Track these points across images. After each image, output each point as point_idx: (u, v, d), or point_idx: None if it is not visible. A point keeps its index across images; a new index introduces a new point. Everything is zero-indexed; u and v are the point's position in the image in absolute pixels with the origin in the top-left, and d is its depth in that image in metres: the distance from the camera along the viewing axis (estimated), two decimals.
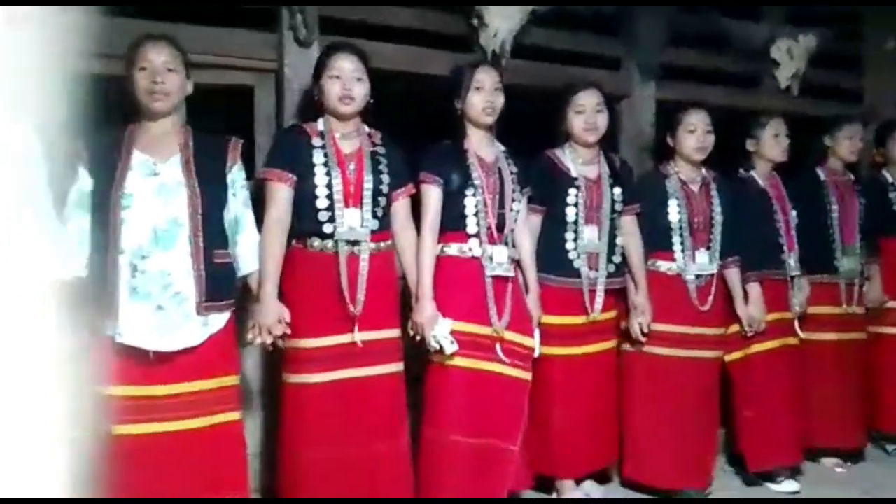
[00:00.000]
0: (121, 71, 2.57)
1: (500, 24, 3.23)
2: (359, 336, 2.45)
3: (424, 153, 2.72)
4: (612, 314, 3.01)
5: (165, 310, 2.20)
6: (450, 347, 2.57)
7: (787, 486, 3.23)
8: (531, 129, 3.05)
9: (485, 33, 3.23)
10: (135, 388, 2.20)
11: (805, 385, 3.39)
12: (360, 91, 2.50)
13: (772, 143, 3.32)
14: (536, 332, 2.80)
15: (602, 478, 3.13)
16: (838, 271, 3.50)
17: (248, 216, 2.40)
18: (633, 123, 3.66)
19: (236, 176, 2.37)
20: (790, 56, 3.93)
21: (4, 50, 1.09)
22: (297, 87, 2.91)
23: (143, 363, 2.19)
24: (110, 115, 2.35)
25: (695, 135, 3.06)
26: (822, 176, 3.58)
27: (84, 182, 2.24)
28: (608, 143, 3.14)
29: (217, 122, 2.62)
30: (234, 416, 2.34)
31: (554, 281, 2.89)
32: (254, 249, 2.39)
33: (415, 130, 2.84)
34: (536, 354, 2.78)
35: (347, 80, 2.47)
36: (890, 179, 3.76)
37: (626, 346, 3.08)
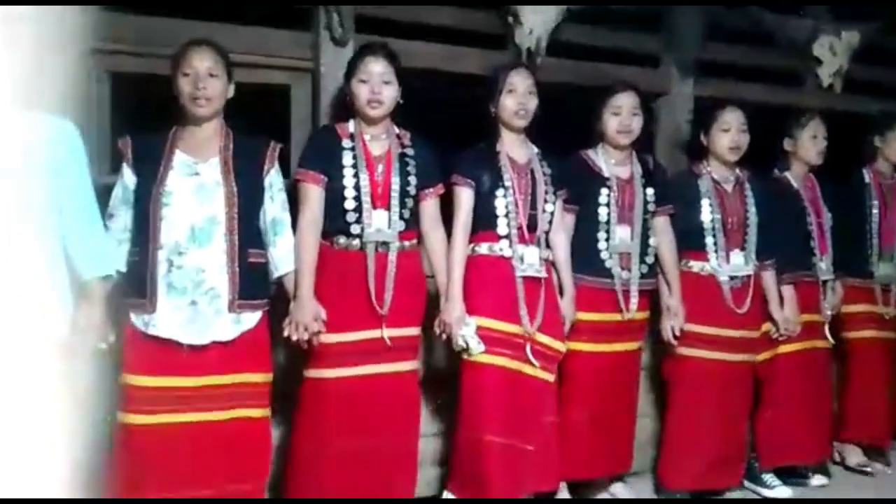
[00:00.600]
0: (162, 70, 2.62)
1: (536, 22, 3.21)
2: (387, 333, 2.49)
3: (458, 156, 2.74)
4: (642, 315, 2.98)
5: (198, 305, 2.27)
6: (476, 347, 2.59)
7: (816, 481, 3.28)
8: (567, 127, 3.04)
9: (520, 31, 3.21)
10: (167, 378, 2.26)
11: (848, 383, 3.40)
12: (389, 94, 2.52)
13: (809, 145, 3.26)
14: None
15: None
16: (873, 276, 3.43)
17: (286, 219, 2.45)
18: (670, 121, 3.62)
19: (274, 179, 2.43)
20: (832, 53, 3.84)
21: (25, 46, 1.12)
22: (332, 87, 2.92)
23: (176, 355, 2.26)
24: (155, 113, 2.40)
25: (729, 134, 3.02)
26: (867, 178, 3.50)
27: (128, 179, 2.33)
28: (644, 141, 3.10)
29: (253, 120, 2.64)
30: (261, 412, 2.39)
31: (587, 281, 2.88)
32: (290, 251, 2.44)
33: (451, 129, 2.84)
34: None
35: (376, 84, 2.49)
36: None
37: (665, 349, 3.05)
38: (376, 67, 2.50)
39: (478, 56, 3.24)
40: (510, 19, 3.22)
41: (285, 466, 2.57)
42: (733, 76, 3.80)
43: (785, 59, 3.90)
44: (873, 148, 3.52)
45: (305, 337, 2.41)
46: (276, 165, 2.44)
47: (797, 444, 3.20)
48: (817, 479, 3.29)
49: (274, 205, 2.43)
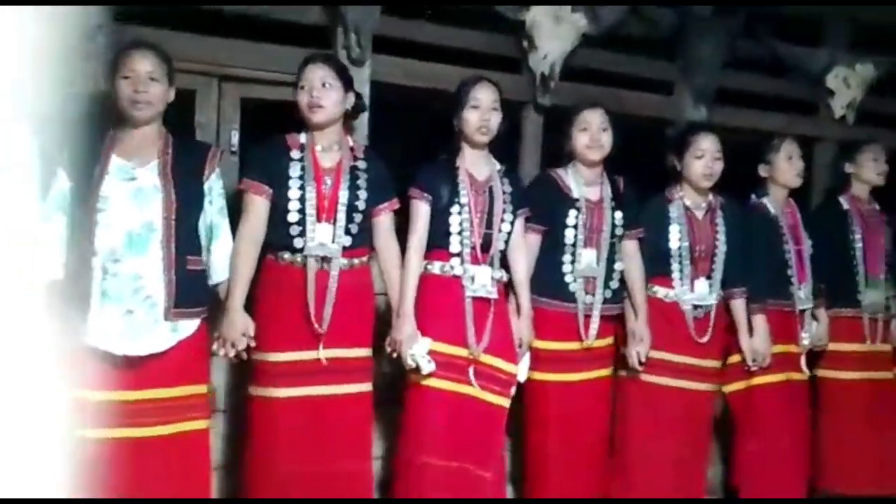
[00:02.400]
0: (188, 84, 2.68)
1: (551, 47, 3.25)
2: (323, 353, 2.42)
3: (417, 169, 2.69)
4: (608, 341, 2.92)
5: (135, 314, 2.20)
6: (427, 367, 2.51)
7: None
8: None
9: (534, 55, 3.25)
10: (106, 392, 2.19)
11: (820, 424, 3.26)
12: (331, 99, 2.45)
13: (786, 167, 3.17)
14: (525, 358, 2.75)
15: None
16: (861, 304, 3.31)
17: (224, 225, 2.40)
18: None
19: (214, 184, 2.37)
20: (846, 85, 3.84)
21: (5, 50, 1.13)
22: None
23: (114, 367, 2.20)
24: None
25: (703, 161, 2.95)
26: (846, 205, 3.40)
27: (63, 184, 2.23)
28: (656, 169, 3.09)
29: (268, 135, 2.69)
30: (201, 424, 2.34)
31: (549, 304, 2.81)
32: (226, 259, 2.39)
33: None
34: (522, 379, 2.74)
35: (315, 89, 2.43)
36: None
37: (623, 373, 2.97)
38: (317, 73, 2.44)
39: (494, 79, 3.26)
40: (526, 43, 3.26)
41: (236, 484, 2.50)
42: (746, 104, 3.81)
43: (799, 90, 3.91)
44: (845, 175, 3.44)
45: (232, 353, 2.34)
46: (217, 170, 2.39)
47: (780, 479, 3.10)
48: None
49: (212, 209, 2.37)
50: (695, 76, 3.60)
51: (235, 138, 2.95)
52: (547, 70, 3.26)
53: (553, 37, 3.24)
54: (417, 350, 2.51)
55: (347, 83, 2.52)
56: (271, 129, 2.56)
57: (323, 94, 2.44)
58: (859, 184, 3.43)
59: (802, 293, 3.16)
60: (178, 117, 2.60)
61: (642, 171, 3.10)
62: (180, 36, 2.79)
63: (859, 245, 3.32)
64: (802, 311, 3.17)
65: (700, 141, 2.96)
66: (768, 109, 3.86)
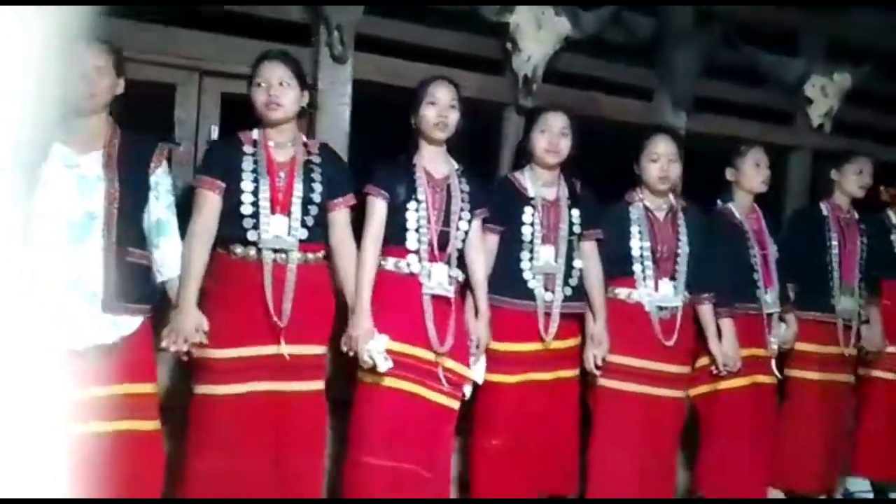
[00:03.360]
0: (167, 77, 2.66)
1: (534, 50, 3.27)
2: (285, 349, 2.38)
3: (374, 166, 2.68)
4: (573, 342, 2.88)
5: (73, 305, 2.15)
6: (383, 364, 2.47)
7: None
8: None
9: (518, 57, 3.27)
10: (56, 387, 2.07)
11: (782, 423, 3.28)
12: (288, 97, 2.45)
13: (752, 174, 3.19)
14: (482, 360, 2.73)
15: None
16: (835, 310, 3.34)
17: (172, 222, 2.37)
18: None
19: (160, 178, 2.35)
20: (824, 94, 3.90)
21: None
22: (331, 103, 2.97)
23: (62, 362, 2.10)
24: (136, 118, 2.39)
25: (658, 164, 2.95)
26: (825, 211, 3.43)
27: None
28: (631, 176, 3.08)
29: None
30: (149, 425, 2.29)
31: (509, 303, 2.79)
32: (175, 255, 2.36)
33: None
34: (480, 381, 2.71)
35: (272, 87, 2.43)
36: (894, 220, 3.63)
37: (590, 378, 2.93)
38: (275, 71, 2.44)
39: (476, 80, 3.28)
40: (509, 45, 3.27)
41: (178, 485, 2.43)
42: (724, 112, 3.85)
43: (777, 98, 3.97)
44: (830, 182, 3.48)
45: (185, 348, 2.29)
46: (165, 165, 2.37)
47: (742, 482, 3.09)
48: None
49: (158, 204, 2.34)
50: (673, 83, 3.64)
51: (215, 134, 2.93)
52: (529, 72, 3.28)
53: (536, 40, 3.26)
54: (374, 346, 2.46)
55: (303, 81, 2.52)
56: (251, 126, 2.54)
57: (281, 92, 2.43)
58: (840, 193, 3.47)
59: (769, 297, 3.16)
60: (159, 112, 2.57)
61: (622, 177, 3.11)
62: (162, 30, 2.78)
63: (836, 252, 3.36)
64: (770, 315, 3.18)
65: (655, 144, 2.96)
66: (746, 117, 3.91)
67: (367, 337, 2.47)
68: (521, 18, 3.21)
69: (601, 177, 3.07)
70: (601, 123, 3.46)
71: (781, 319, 3.26)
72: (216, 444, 2.35)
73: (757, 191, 3.23)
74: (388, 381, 2.53)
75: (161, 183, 2.35)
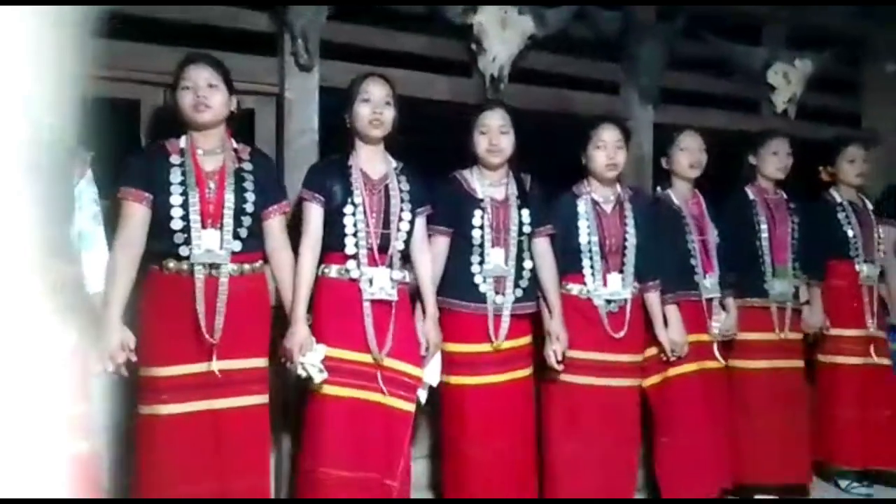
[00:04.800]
0: (129, 94, 2.62)
1: (499, 50, 3.28)
2: (216, 365, 2.32)
3: (308, 170, 2.65)
4: (524, 340, 2.86)
5: None
6: (318, 376, 2.43)
7: None
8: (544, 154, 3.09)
9: (483, 58, 3.28)
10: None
11: (734, 416, 3.27)
12: (216, 99, 2.40)
13: (681, 158, 3.20)
14: (435, 360, 2.70)
15: None
16: (769, 294, 3.32)
17: (97, 233, 2.29)
18: (632, 148, 3.68)
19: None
20: (787, 80, 3.96)
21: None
22: (297, 111, 2.96)
23: None
24: (113, 135, 2.39)
25: (604, 151, 2.95)
26: (751, 195, 3.41)
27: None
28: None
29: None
30: (82, 446, 2.13)
31: (459, 306, 2.77)
32: (101, 269, 2.28)
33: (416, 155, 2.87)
34: (434, 383, 2.69)
35: (200, 89, 2.37)
36: (838, 199, 3.61)
37: (544, 375, 2.92)
38: (201, 73, 2.39)
39: (443, 82, 3.30)
40: (474, 47, 3.28)
41: None
42: (692, 103, 3.89)
43: (741, 87, 4.01)
44: (750, 167, 3.46)
45: (111, 368, 2.22)
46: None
47: (700, 472, 3.08)
48: None
49: (82, 216, 2.24)
50: (639, 76, 3.67)
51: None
52: (496, 72, 3.29)
53: (500, 40, 3.28)
54: (310, 358, 2.41)
55: (230, 86, 2.46)
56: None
57: (209, 93, 2.38)
58: (762, 176, 3.46)
59: (709, 283, 3.17)
60: (125, 126, 2.55)
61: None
62: (125, 45, 2.75)
63: (765, 235, 3.34)
64: (710, 301, 3.18)
65: (601, 132, 2.96)
66: (713, 107, 3.95)
67: (303, 349, 2.43)
68: (484, 19, 3.22)
69: (558, 170, 3.09)
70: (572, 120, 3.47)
71: (722, 306, 3.26)
72: (161, 465, 2.29)
73: (687, 175, 3.23)
74: (338, 390, 2.49)
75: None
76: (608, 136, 2.96)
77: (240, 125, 3.03)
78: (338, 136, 3.04)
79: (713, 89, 3.97)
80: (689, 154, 3.20)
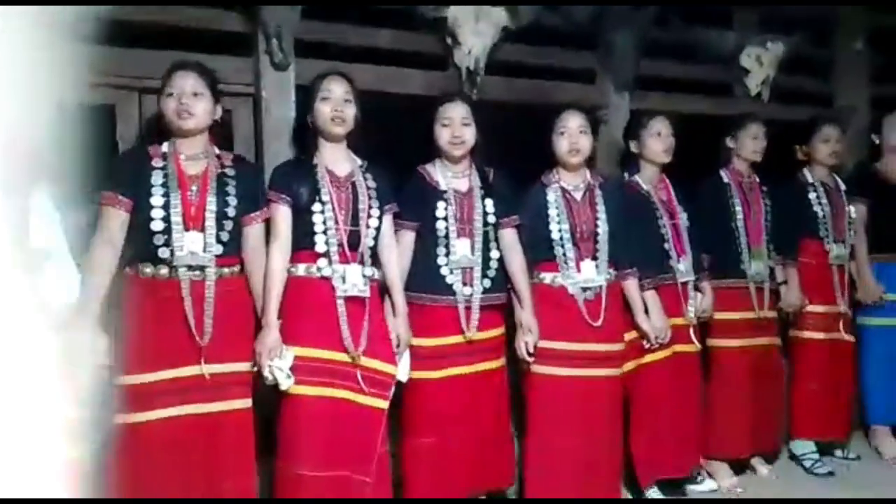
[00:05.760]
0: (97, 99, 2.61)
1: (474, 42, 3.29)
2: (206, 369, 2.32)
3: (273, 171, 2.65)
4: (496, 332, 2.85)
5: None
6: (285, 382, 2.41)
7: (706, 486, 3.28)
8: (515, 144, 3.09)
9: (459, 51, 3.29)
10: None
11: (711, 392, 3.32)
12: (200, 107, 2.40)
13: (654, 143, 3.20)
14: (405, 357, 2.68)
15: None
16: (746, 275, 3.36)
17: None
18: (608, 135, 3.71)
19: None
20: (759, 63, 4.00)
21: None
22: (274, 111, 2.96)
23: None
24: (96, 140, 2.38)
25: (566, 137, 2.94)
26: (726, 178, 3.46)
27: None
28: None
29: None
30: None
31: (427, 300, 2.75)
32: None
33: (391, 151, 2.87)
34: (404, 379, 2.67)
35: (184, 96, 2.38)
36: (810, 179, 3.66)
37: (522, 367, 2.91)
38: (187, 80, 2.39)
39: (419, 77, 3.31)
40: (449, 40, 3.29)
41: None
42: (667, 89, 3.92)
43: (715, 71, 4.05)
44: (727, 149, 3.51)
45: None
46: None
47: (674, 454, 3.11)
48: (707, 484, 3.29)
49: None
50: (614, 65, 3.70)
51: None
52: (472, 65, 3.30)
53: (474, 32, 3.29)
54: (277, 363, 2.39)
55: (216, 94, 2.47)
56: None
57: (193, 101, 2.38)
58: (738, 159, 3.50)
59: (682, 266, 3.17)
60: (100, 131, 2.54)
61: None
62: (97, 49, 2.73)
63: (740, 217, 3.39)
64: (685, 284, 3.19)
65: (563, 119, 2.95)
66: (688, 92, 3.98)
67: (272, 353, 2.41)
68: (458, 12, 3.23)
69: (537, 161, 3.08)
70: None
71: (697, 289, 3.28)
72: (146, 473, 2.27)
73: (659, 160, 3.23)
74: (311, 390, 2.47)
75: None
76: (571, 122, 2.95)
77: (218, 126, 3.05)
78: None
79: (687, 75, 4.00)
80: (662, 139, 3.21)
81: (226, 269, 2.41)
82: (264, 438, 2.55)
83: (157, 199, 2.33)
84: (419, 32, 3.31)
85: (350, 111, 2.60)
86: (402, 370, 2.67)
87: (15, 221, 2.04)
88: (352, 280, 2.52)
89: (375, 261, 2.65)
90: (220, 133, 3.01)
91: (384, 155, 2.80)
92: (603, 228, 2.95)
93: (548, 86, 3.59)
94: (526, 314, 2.84)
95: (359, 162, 2.68)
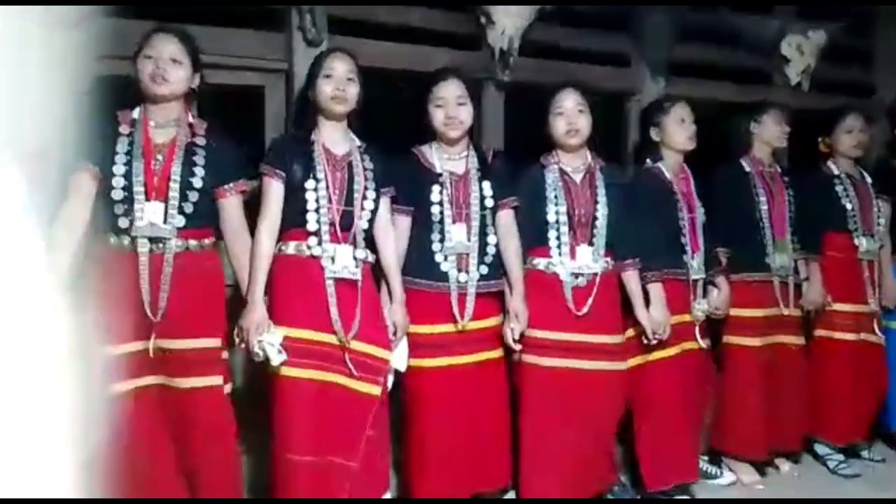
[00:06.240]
0: (129, 70, 2.61)
1: (508, 23, 3.24)
2: (153, 344, 2.25)
3: (269, 144, 2.58)
4: (494, 321, 2.74)
5: None
6: (276, 357, 2.33)
7: (725, 479, 3.23)
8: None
9: (492, 31, 3.24)
10: None
11: (723, 390, 3.23)
12: (177, 75, 2.33)
13: (677, 130, 3.05)
14: (402, 344, 2.60)
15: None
16: (770, 268, 3.21)
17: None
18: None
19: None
20: (800, 52, 3.91)
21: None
22: None
23: None
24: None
25: (564, 117, 2.81)
26: (747, 167, 3.29)
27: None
28: (608, 140, 3.01)
29: (228, 121, 2.63)
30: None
31: (421, 286, 2.65)
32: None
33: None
34: (402, 368, 2.59)
35: (161, 60, 2.30)
36: (835, 171, 3.49)
37: (512, 357, 2.80)
38: (166, 45, 2.32)
39: (451, 57, 3.26)
40: (483, 20, 3.25)
41: None
42: (703, 75, 3.85)
43: (753, 59, 3.96)
44: (749, 135, 3.33)
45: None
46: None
47: (682, 459, 2.99)
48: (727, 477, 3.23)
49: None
50: (649, 49, 3.64)
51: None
52: (505, 45, 3.26)
53: (509, 13, 3.24)
54: (267, 339, 2.33)
55: (196, 62, 2.40)
56: (224, 115, 2.51)
57: (169, 67, 2.31)
58: (761, 145, 3.34)
59: (695, 262, 3.03)
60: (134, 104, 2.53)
61: (606, 145, 3.09)
62: (130, 24, 2.72)
63: (764, 208, 3.23)
64: (696, 282, 3.04)
65: (560, 99, 2.82)
66: (724, 79, 3.91)
67: (260, 329, 2.34)
68: None
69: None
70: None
71: (713, 284, 3.13)
72: (116, 444, 2.19)
73: (681, 147, 3.09)
74: (299, 372, 2.40)
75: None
76: (568, 101, 2.81)
77: (249, 102, 3.04)
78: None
79: (724, 61, 3.92)
80: (686, 126, 3.07)
81: (193, 242, 2.32)
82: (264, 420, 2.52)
83: (119, 168, 2.26)
84: (452, 12, 3.27)
85: (353, 90, 2.52)
86: (400, 358, 2.59)
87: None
88: (342, 261, 2.45)
89: (370, 244, 2.58)
90: (252, 109, 3.03)
91: (413, 135, 2.77)
92: (602, 213, 2.81)
93: (581, 69, 3.54)
94: (516, 300, 2.72)
95: (358, 143, 2.60)
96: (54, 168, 1.76)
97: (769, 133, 3.33)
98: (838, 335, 3.45)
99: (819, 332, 3.48)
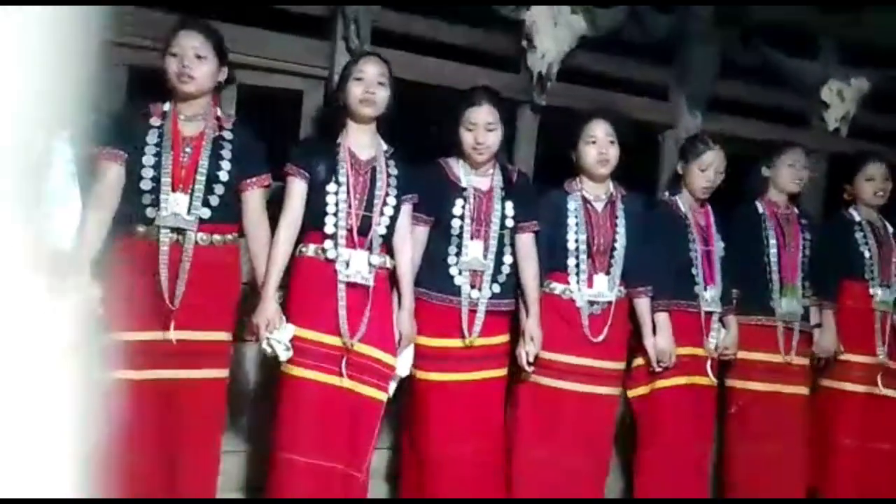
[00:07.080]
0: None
1: (550, 47, 3.27)
2: (174, 334, 2.28)
3: (295, 144, 2.60)
4: (500, 339, 2.75)
5: None
6: (283, 354, 2.36)
7: None
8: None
9: (533, 55, 3.27)
10: None
11: (725, 436, 3.18)
12: (202, 71, 2.35)
13: (697, 177, 3.06)
14: (408, 351, 2.61)
15: None
16: (775, 313, 3.16)
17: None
18: (676, 153, 3.65)
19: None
20: (840, 98, 3.88)
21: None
22: None
23: None
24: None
25: (596, 146, 2.84)
26: (761, 209, 3.27)
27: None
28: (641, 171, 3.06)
29: (265, 121, 2.69)
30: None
31: (432, 297, 2.66)
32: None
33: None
34: (403, 374, 2.60)
35: (186, 58, 2.33)
36: (857, 218, 3.44)
37: (515, 375, 2.81)
38: (189, 42, 2.34)
39: (489, 76, 3.28)
40: (525, 43, 3.28)
41: None
42: (741, 113, 3.83)
43: (793, 101, 3.94)
44: (762, 179, 3.32)
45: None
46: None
47: (677, 488, 2.95)
48: None
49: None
50: (690, 83, 3.63)
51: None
52: (544, 70, 3.28)
53: (551, 37, 3.27)
54: (277, 335, 2.35)
55: (222, 55, 2.42)
56: (266, 116, 2.56)
57: (194, 64, 2.34)
58: (775, 189, 3.32)
59: (709, 295, 3.02)
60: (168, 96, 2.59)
61: (641, 176, 3.11)
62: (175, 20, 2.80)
63: (774, 251, 3.20)
64: (709, 315, 3.03)
65: (591, 127, 2.85)
66: (762, 119, 3.89)
67: (271, 325, 2.37)
68: (537, 16, 3.22)
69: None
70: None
71: (722, 323, 3.11)
72: (123, 431, 2.20)
73: (697, 195, 3.11)
74: (307, 373, 2.42)
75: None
76: (599, 130, 2.84)
77: (288, 106, 3.11)
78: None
79: (764, 101, 3.90)
80: (706, 175, 3.07)
81: (216, 236, 2.35)
82: (260, 419, 2.54)
83: (148, 158, 2.31)
84: (495, 32, 3.30)
85: (382, 94, 2.53)
86: (403, 365, 2.60)
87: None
88: (356, 266, 2.46)
89: (389, 251, 2.59)
90: (290, 113, 3.09)
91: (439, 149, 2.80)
92: (620, 243, 2.85)
93: (618, 98, 3.55)
94: (531, 323, 2.73)
95: (384, 147, 2.61)
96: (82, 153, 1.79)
97: (781, 177, 3.31)
98: (850, 386, 3.35)
99: (825, 383, 3.38)
